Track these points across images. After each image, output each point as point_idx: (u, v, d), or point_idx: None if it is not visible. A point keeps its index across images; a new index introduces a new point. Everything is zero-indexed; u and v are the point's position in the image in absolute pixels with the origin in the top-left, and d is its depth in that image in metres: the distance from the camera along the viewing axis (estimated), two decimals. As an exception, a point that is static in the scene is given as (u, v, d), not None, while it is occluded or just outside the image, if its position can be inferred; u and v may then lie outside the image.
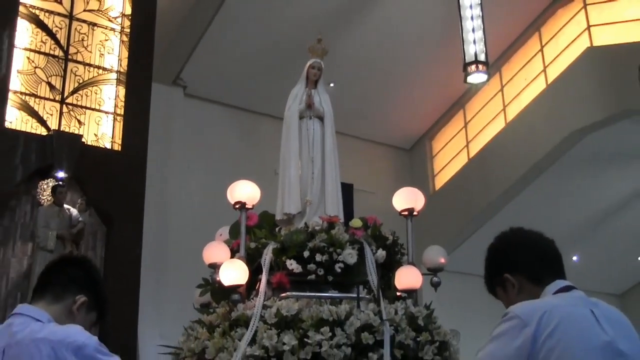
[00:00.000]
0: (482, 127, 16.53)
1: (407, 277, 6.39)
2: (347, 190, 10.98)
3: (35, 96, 11.40)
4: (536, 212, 13.90)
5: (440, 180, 17.41)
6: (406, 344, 5.72)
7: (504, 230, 2.83)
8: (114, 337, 9.29)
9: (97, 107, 11.89)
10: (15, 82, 11.29)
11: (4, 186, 10.64)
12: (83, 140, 11.39)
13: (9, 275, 10.47)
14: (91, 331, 2.74)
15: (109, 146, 11.81)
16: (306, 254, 6.27)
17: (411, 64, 15.60)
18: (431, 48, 15.29)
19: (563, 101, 14.09)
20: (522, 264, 2.71)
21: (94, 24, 12.20)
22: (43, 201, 10.89)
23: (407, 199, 6.82)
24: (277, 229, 6.90)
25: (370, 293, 6.20)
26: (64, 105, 11.59)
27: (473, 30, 13.51)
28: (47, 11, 11.82)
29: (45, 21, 11.77)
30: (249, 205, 6.50)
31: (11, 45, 11.18)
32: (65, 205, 10.89)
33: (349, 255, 6.28)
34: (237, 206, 6.50)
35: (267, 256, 6.32)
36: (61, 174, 10.89)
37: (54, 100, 11.53)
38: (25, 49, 11.52)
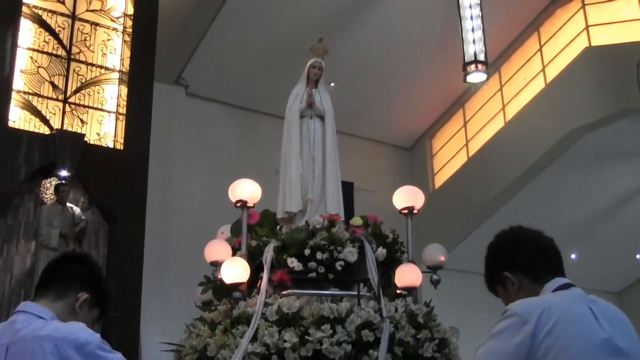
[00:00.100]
0: (481, 126, 16.52)
1: (407, 275, 6.39)
2: (348, 189, 11.03)
3: (39, 95, 11.42)
4: (535, 211, 13.92)
5: (440, 179, 17.41)
6: (406, 342, 5.72)
7: (504, 228, 2.86)
8: (117, 334, 9.34)
9: (100, 107, 11.91)
10: (19, 82, 11.31)
11: (7, 185, 10.66)
12: (85, 139, 11.42)
13: (12, 273, 10.49)
14: (94, 328, 2.77)
15: (111, 145, 11.82)
16: (307, 252, 6.28)
17: (411, 63, 15.59)
18: (431, 48, 15.28)
19: (562, 100, 14.08)
20: (521, 262, 2.73)
21: (97, 24, 12.22)
22: (46, 200, 10.90)
23: (407, 197, 6.82)
24: (278, 227, 6.90)
25: (371, 291, 6.21)
26: (67, 105, 11.61)
27: (472, 30, 13.50)
28: (50, 11, 11.84)
29: (48, 21, 11.78)
30: (250, 204, 6.51)
31: (14, 45, 11.20)
32: (68, 204, 10.89)
33: (350, 253, 6.29)
34: (238, 204, 6.50)
35: (268, 254, 6.32)
36: (64, 173, 10.91)
37: (56, 99, 11.55)
38: (29, 49, 11.54)
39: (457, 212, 15.89)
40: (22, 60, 11.45)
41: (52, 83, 11.57)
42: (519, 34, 15.96)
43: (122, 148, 11.81)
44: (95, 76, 12.00)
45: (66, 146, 11.03)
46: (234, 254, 6.38)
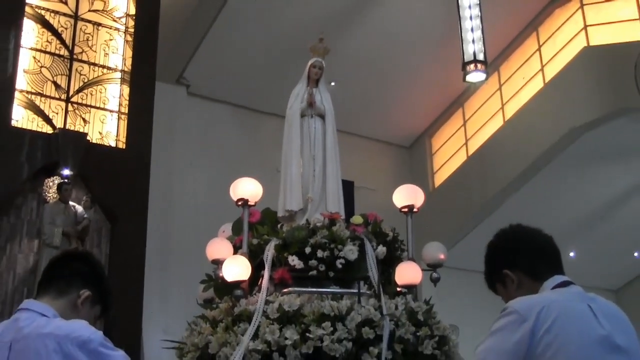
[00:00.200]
0: (480, 125, 16.52)
1: (407, 273, 6.41)
2: (348, 188, 11.03)
3: (41, 95, 11.42)
4: (534, 209, 13.97)
5: (439, 178, 17.42)
6: (406, 339, 5.73)
7: (503, 227, 2.86)
8: (119, 332, 9.36)
9: (102, 106, 11.91)
10: (22, 81, 11.31)
11: (10, 184, 10.67)
12: (88, 138, 11.42)
13: (15, 271, 10.51)
14: (96, 325, 2.78)
15: (113, 144, 11.82)
16: (308, 250, 6.30)
17: (411, 63, 15.60)
18: (431, 48, 15.30)
19: (560, 100, 14.11)
20: (521, 260, 2.73)
21: (99, 24, 12.22)
22: (49, 198, 10.93)
23: (407, 196, 6.85)
24: (279, 226, 6.93)
25: (371, 288, 6.23)
26: (69, 104, 11.61)
27: (472, 30, 13.53)
28: (53, 11, 11.84)
29: (51, 21, 11.78)
30: (251, 202, 6.54)
31: (17, 45, 11.20)
32: (71, 203, 10.92)
33: (350, 252, 6.31)
34: (239, 203, 6.53)
35: (269, 252, 6.34)
36: (66, 172, 10.91)
37: (59, 99, 11.55)
38: (31, 49, 11.54)
39: (457, 211, 15.91)
40: (25, 60, 11.45)
41: (54, 83, 11.57)
42: (517, 34, 15.97)
43: (124, 147, 11.80)
44: (98, 76, 12.00)
45: (69, 145, 11.03)
46: (235, 252, 6.39)
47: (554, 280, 2.67)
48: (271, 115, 14.70)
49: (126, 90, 12.11)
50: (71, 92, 11.68)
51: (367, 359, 5.58)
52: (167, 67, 14.05)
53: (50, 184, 11.02)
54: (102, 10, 12.35)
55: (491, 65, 14.85)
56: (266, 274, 6.20)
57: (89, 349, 2.59)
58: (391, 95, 16.34)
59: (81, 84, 11.82)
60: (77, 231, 10.83)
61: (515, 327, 2.45)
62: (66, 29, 11.91)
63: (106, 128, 11.87)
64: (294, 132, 7.36)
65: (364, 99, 15.99)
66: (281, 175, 7.33)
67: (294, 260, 6.30)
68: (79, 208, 11.01)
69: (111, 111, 11.99)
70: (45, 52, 11.69)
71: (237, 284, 6.08)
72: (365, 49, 14.99)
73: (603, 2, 14.39)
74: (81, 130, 11.55)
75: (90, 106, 11.83)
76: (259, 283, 6.23)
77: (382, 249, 6.59)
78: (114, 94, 12.08)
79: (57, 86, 11.59)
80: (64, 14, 11.97)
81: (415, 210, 6.82)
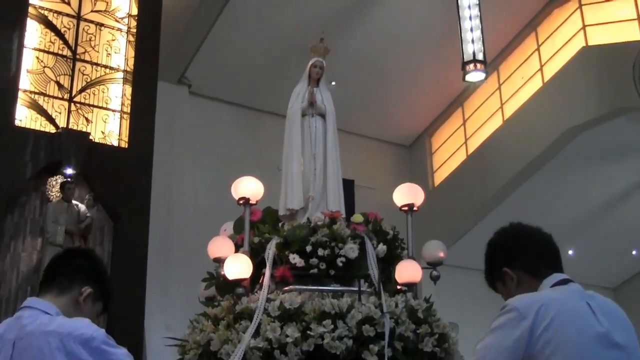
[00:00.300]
0: (480, 124, 16.57)
1: (407, 271, 6.42)
2: (349, 186, 11.10)
3: (44, 95, 11.42)
4: (533, 208, 14.03)
5: (439, 176, 17.46)
6: (406, 336, 5.75)
7: (503, 225, 2.88)
8: (121, 329, 9.44)
9: (104, 106, 11.90)
10: (25, 81, 11.30)
11: (14, 182, 10.66)
12: (90, 137, 11.41)
13: (19, 269, 10.51)
14: (98, 322, 2.80)
15: (115, 143, 11.82)
16: (309, 248, 6.33)
17: (411, 63, 15.65)
18: (430, 47, 15.34)
19: (559, 99, 14.16)
20: (520, 258, 2.74)
21: (101, 25, 12.21)
22: (52, 197, 10.93)
23: (407, 194, 6.85)
24: (280, 224, 6.94)
25: (371, 286, 6.24)
26: (72, 104, 11.60)
27: (471, 30, 13.57)
28: (56, 12, 11.83)
29: (54, 22, 11.78)
30: (252, 201, 6.55)
31: (21, 45, 11.19)
32: (74, 201, 10.92)
33: (351, 250, 6.34)
34: (241, 202, 6.55)
35: (270, 250, 6.36)
36: (69, 171, 10.91)
37: (62, 98, 11.54)
38: (35, 49, 11.53)
39: (457, 209, 15.95)
40: (29, 60, 11.44)
41: (57, 82, 11.56)
42: (517, 34, 16.02)
43: (126, 146, 11.80)
44: (100, 76, 12.00)
45: (71, 144, 11.03)
46: (236, 251, 6.41)
47: (553, 278, 2.69)
48: (272, 115, 14.75)
49: (128, 90, 12.09)
50: (74, 92, 11.66)
51: (367, 356, 5.60)
52: (169, 67, 14.07)
53: (54, 182, 11.01)
54: (105, 10, 12.34)
55: (490, 65, 14.89)
56: (267, 272, 6.22)
57: (91, 346, 2.61)
58: (391, 94, 16.37)
59: (84, 83, 11.80)
60: (80, 229, 10.83)
61: (515, 325, 2.46)
62: (69, 29, 11.91)
63: (108, 127, 11.86)
64: (294, 131, 7.39)
65: (364, 98, 16.03)
66: (282, 174, 7.36)
67: (295, 259, 6.33)
68: (82, 207, 11.00)
69: (113, 111, 11.97)
70: (48, 52, 11.67)
71: (238, 282, 6.10)
72: (365, 49, 15.03)
73: (601, 2, 14.44)
74: (84, 129, 11.54)
75: (93, 106, 11.82)
76: (260, 281, 6.24)
77: (382, 247, 6.61)
78: (117, 94, 12.07)
79: (60, 86, 11.58)
80: (67, 15, 11.95)
81: (415, 208, 6.83)
